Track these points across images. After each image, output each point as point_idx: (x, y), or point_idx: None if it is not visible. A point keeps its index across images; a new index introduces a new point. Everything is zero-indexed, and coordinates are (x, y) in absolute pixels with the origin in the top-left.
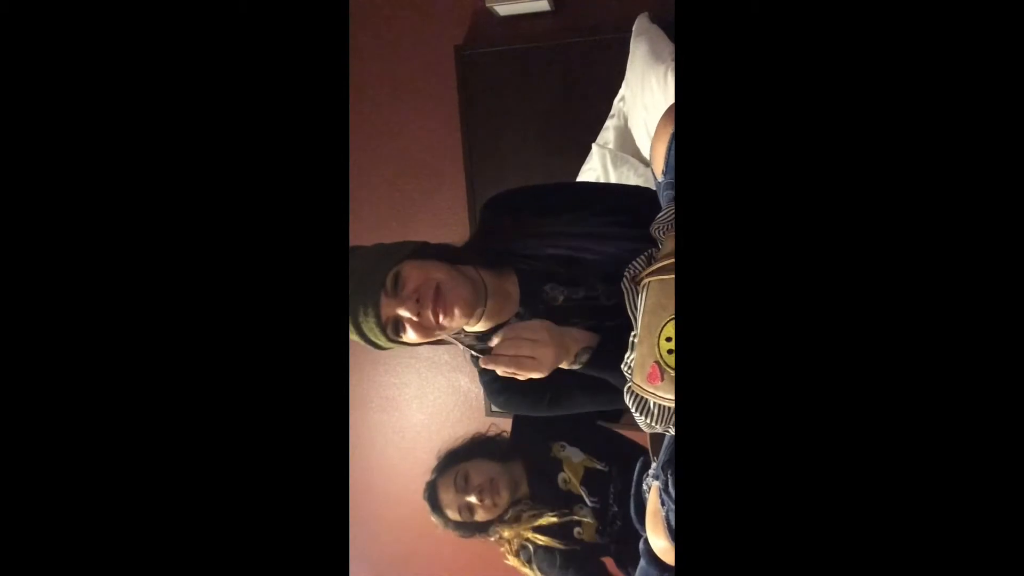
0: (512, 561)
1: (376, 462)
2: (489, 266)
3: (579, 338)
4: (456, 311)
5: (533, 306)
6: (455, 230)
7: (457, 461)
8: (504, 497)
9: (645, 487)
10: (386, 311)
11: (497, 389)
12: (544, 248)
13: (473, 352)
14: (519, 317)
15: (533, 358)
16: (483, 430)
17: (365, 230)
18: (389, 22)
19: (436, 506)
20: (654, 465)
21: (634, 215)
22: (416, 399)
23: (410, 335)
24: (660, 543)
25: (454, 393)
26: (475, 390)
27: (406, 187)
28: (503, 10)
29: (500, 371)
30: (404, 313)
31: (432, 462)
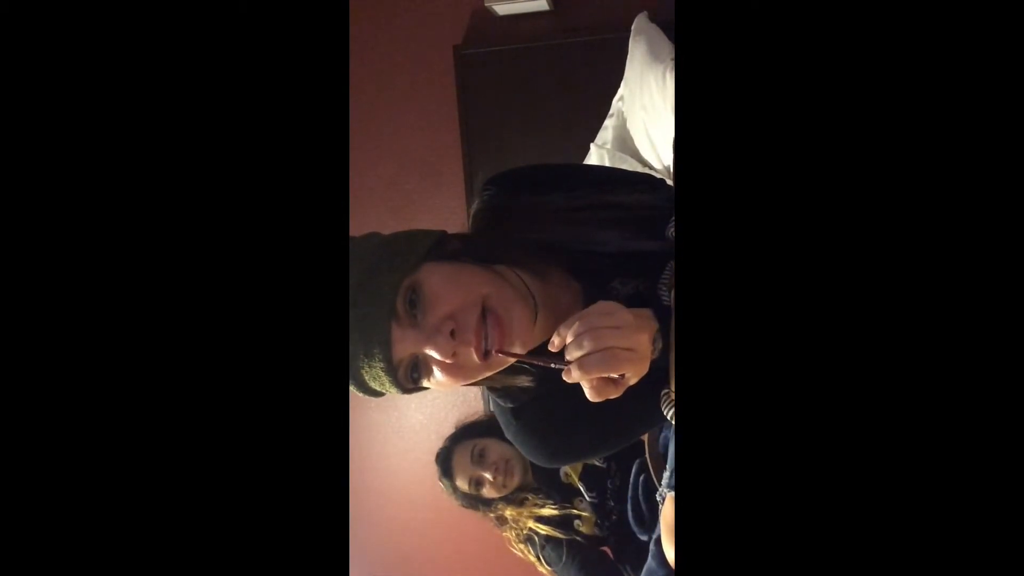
0: (518, 548)
1: (376, 462)
2: (532, 265)
3: (648, 317)
4: (516, 341)
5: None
6: (455, 229)
7: (475, 435)
8: (515, 480)
9: (659, 497)
10: (401, 348)
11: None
12: (596, 234)
13: (551, 364)
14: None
15: (630, 349)
16: None
17: (365, 229)
18: (389, 22)
19: (447, 471)
20: (667, 475)
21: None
22: (415, 399)
23: (438, 378)
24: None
25: (453, 393)
26: (474, 390)
27: (405, 186)
28: (502, 10)
29: (591, 383)
30: (433, 353)
31: (433, 469)
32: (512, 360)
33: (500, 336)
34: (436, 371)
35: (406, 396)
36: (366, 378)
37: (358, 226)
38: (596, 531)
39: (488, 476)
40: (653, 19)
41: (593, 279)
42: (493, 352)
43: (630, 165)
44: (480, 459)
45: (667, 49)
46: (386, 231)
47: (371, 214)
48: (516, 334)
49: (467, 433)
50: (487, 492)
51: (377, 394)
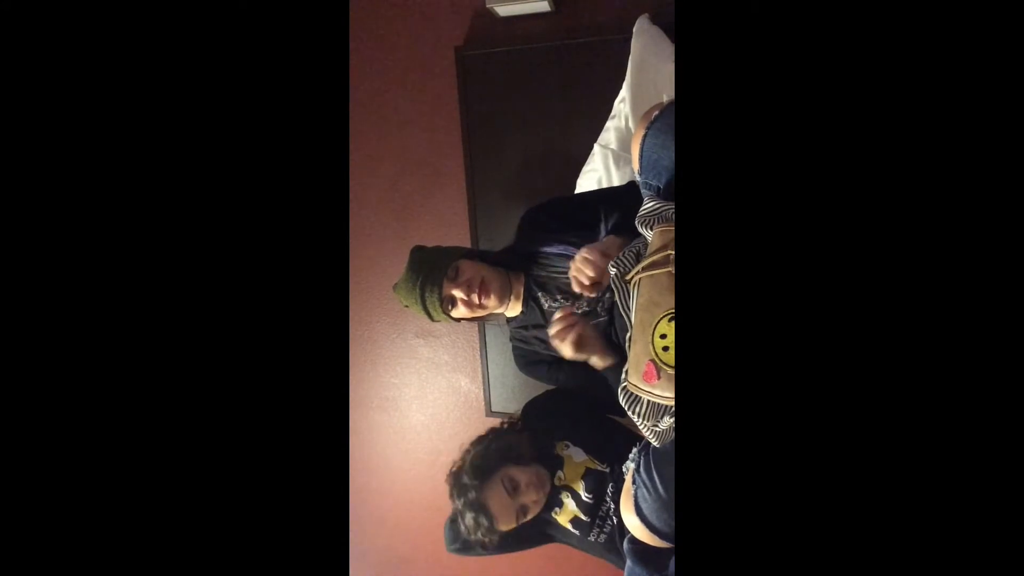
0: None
1: (376, 462)
2: (510, 270)
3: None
4: (493, 297)
5: (528, 304)
6: (455, 229)
7: (495, 470)
8: (548, 484)
9: (624, 469)
10: (446, 291)
11: (524, 362)
12: (542, 261)
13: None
14: (523, 315)
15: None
16: (496, 426)
17: (365, 229)
18: (389, 23)
19: (491, 520)
20: (634, 451)
21: (622, 223)
22: (416, 399)
23: (460, 310)
24: (632, 520)
25: (454, 394)
26: (475, 391)
27: (406, 187)
28: (503, 11)
29: (583, 275)
30: (458, 294)
31: (433, 469)
32: (488, 311)
33: (485, 294)
34: (460, 305)
35: (406, 397)
36: (427, 304)
37: (358, 226)
38: (569, 526)
39: (533, 498)
40: (654, 21)
41: (529, 286)
42: (483, 299)
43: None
44: (515, 489)
45: (669, 50)
46: (386, 230)
47: (371, 214)
48: (493, 294)
49: (486, 474)
50: (534, 511)
51: (431, 316)
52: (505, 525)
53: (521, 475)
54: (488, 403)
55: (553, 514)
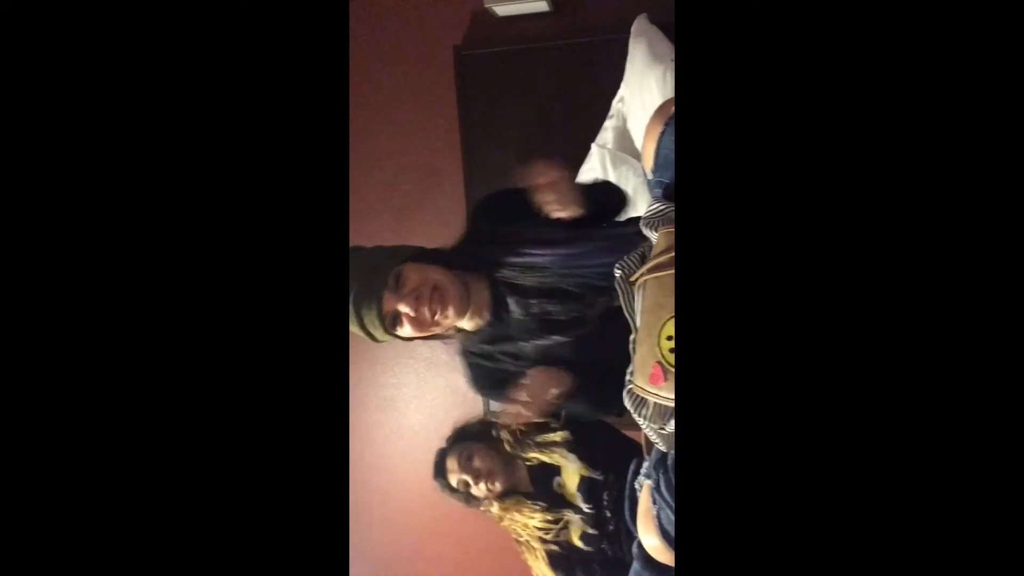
0: (529, 559)
1: (375, 462)
2: (471, 272)
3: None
4: (450, 309)
5: (498, 314)
6: (455, 230)
7: (466, 439)
8: (498, 488)
9: (637, 485)
10: (387, 305)
11: (488, 383)
12: (512, 258)
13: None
14: (490, 326)
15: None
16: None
17: (365, 230)
18: (389, 22)
19: (441, 471)
20: (646, 464)
21: (600, 216)
22: (415, 399)
23: (407, 329)
24: (652, 541)
25: (453, 393)
26: (476, 397)
27: (405, 187)
28: (502, 11)
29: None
30: (403, 308)
31: (429, 457)
32: (445, 328)
33: (440, 306)
34: (405, 323)
35: (405, 396)
36: (366, 322)
37: (358, 226)
38: (581, 543)
39: (471, 480)
40: (653, 20)
41: (499, 292)
42: (438, 314)
43: (631, 165)
44: (467, 463)
45: (667, 50)
46: (386, 230)
47: (371, 214)
48: (450, 305)
49: (460, 437)
50: (476, 492)
51: (372, 336)
52: (452, 484)
53: (478, 457)
54: (487, 403)
55: (563, 535)
